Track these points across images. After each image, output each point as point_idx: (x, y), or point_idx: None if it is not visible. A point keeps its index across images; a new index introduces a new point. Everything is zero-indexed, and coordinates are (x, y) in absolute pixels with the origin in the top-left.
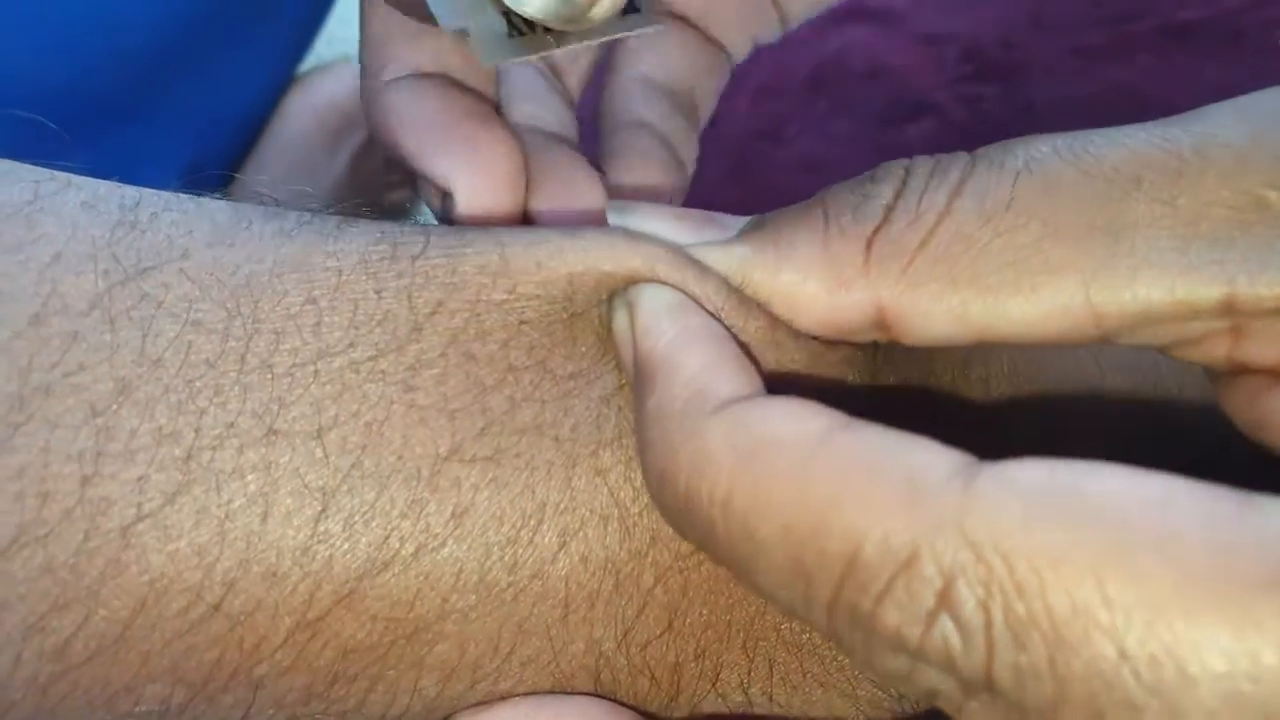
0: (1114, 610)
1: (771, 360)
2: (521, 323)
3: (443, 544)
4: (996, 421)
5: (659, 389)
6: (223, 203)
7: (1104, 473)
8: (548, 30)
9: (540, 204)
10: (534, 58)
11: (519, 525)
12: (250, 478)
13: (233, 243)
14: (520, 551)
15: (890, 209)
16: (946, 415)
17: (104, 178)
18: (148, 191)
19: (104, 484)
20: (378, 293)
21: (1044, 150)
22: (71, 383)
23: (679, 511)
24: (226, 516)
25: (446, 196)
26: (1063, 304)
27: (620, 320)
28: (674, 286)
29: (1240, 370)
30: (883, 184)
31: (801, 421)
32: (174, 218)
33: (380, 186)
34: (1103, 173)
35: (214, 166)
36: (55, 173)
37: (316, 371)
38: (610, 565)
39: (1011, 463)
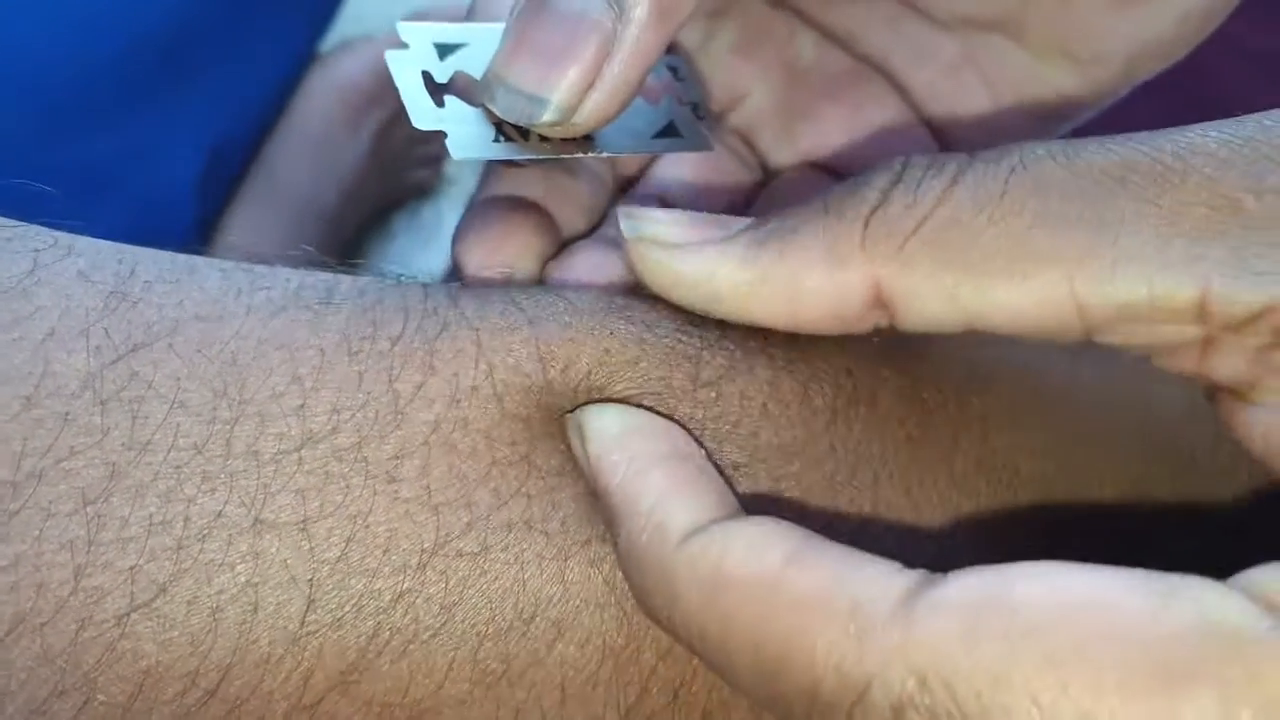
0: None
1: (735, 429)
2: (502, 412)
3: (434, 635)
4: (994, 461)
5: (623, 526)
6: (214, 269)
7: (1036, 578)
8: (544, 139)
9: (558, 274)
10: (519, 159)
11: (511, 617)
12: (239, 569)
13: (221, 315)
14: (514, 642)
15: (887, 193)
16: (934, 469)
17: (128, 161)
18: (144, 255)
19: (97, 574)
20: (359, 374)
21: (1039, 152)
22: (63, 468)
23: (669, 632)
24: (218, 607)
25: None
26: (1048, 293)
27: (575, 446)
28: (631, 351)
29: (1212, 386)
30: (881, 173)
31: (760, 555)
32: (165, 288)
33: (402, 166)
34: (1091, 173)
35: (236, 147)
36: (58, 236)
37: (300, 459)
38: (608, 650)
39: (951, 580)
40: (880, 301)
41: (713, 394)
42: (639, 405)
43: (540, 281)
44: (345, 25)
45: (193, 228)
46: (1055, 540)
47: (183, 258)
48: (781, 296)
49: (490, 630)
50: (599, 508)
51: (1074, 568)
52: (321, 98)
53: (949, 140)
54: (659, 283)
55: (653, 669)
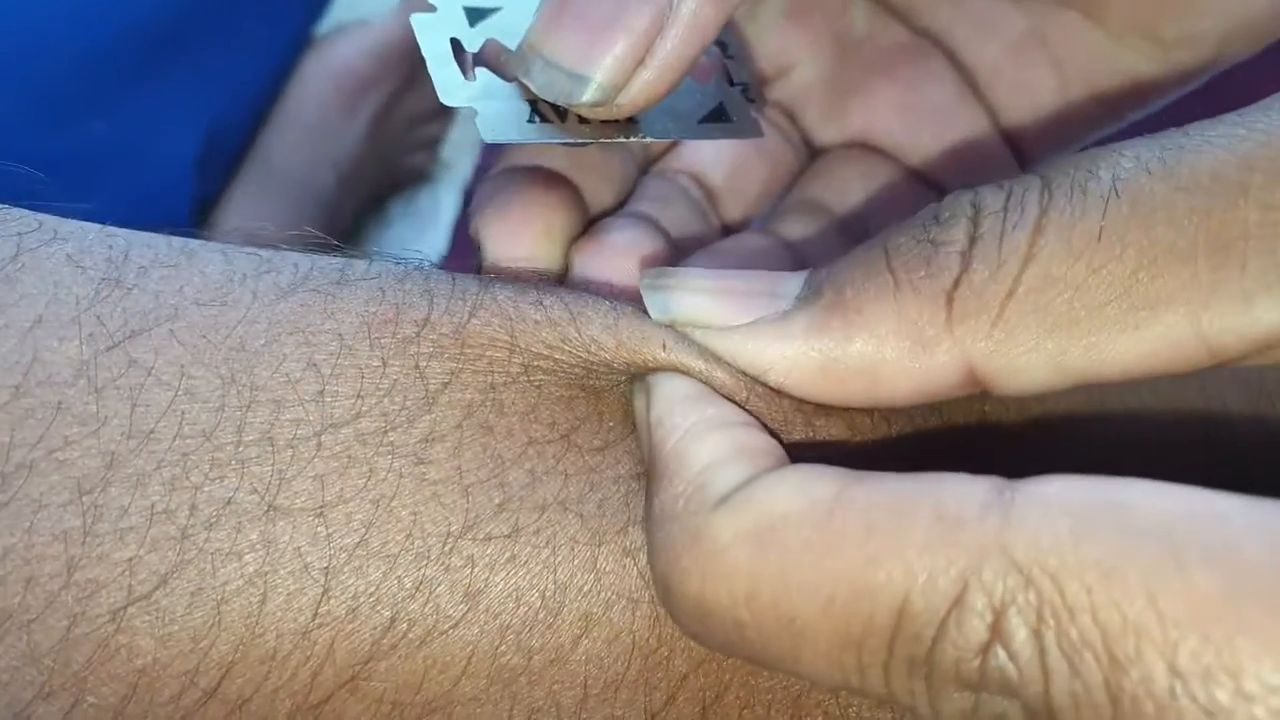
0: (1166, 625)
1: (802, 433)
2: (541, 396)
3: (454, 626)
4: (1054, 441)
5: (664, 488)
6: (215, 253)
7: (1149, 487)
8: (583, 120)
9: (580, 268)
10: (555, 143)
11: (537, 607)
12: (248, 558)
13: (225, 301)
14: (538, 635)
15: (967, 257)
16: (997, 443)
17: (123, 146)
18: (137, 239)
19: (92, 566)
20: (383, 361)
21: (1129, 166)
22: (57, 459)
23: (695, 619)
24: (223, 599)
25: (478, 249)
26: (1171, 339)
27: (639, 406)
28: (694, 372)
29: None
30: (952, 228)
31: (810, 489)
32: (163, 273)
33: (399, 151)
34: (1200, 184)
35: (232, 132)
36: (43, 219)
37: (320, 444)
38: (638, 650)
39: (1048, 480)
40: (974, 380)
41: (762, 404)
42: None
43: (566, 266)
44: (340, 9)
45: (189, 213)
46: None
47: (179, 241)
48: (857, 383)
49: (514, 621)
50: (647, 472)
51: (1186, 486)
52: (317, 82)
53: (1008, 124)
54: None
55: (683, 677)
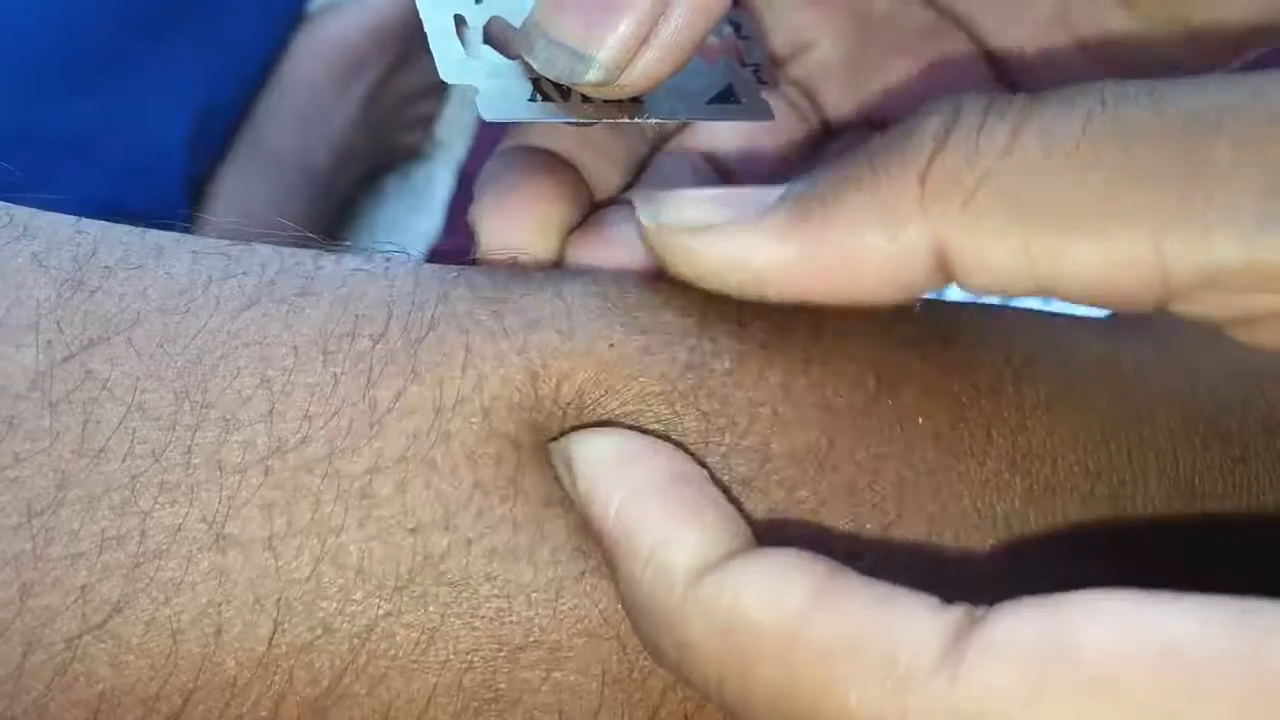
0: None
1: (735, 424)
2: (489, 429)
3: (414, 662)
4: (1030, 457)
5: (622, 577)
6: (184, 253)
7: (1099, 618)
8: (586, 100)
9: (575, 261)
10: (556, 122)
11: (497, 650)
12: (201, 589)
13: (188, 308)
14: (502, 674)
15: (942, 141)
16: (966, 463)
17: (115, 124)
18: (107, 235)
19: (45, 593)
20: (335, 376)
21: (1114, 93)
22: (8, 477)
23: (681, 679)
24: (177, 629)
25: (474, 235)
26: (1131, 254)
27: (564, 478)
28: (631, 354)
29: None
30: (931, 118)
31: (779, 598)
32: (127, 274)
33: (393, 128)
34: (1183, 117)
35: (224, 109)
36: (15, 212)
37: (268, 469)
38: (610, 678)
39: (1000, 618)
40: (943, 263)
41: (717, 404)
42: (636, 425)
43: (560, 258)
44: None
45: (181, 190)
46: (1098, 542)
47: (151, 236)
48: (834, 269)
49: (476, 660)
50: (596, 547)
51: (1140, 600)
52: (310, 59)
53: None
54: (689, 272)
55: (662, 694)
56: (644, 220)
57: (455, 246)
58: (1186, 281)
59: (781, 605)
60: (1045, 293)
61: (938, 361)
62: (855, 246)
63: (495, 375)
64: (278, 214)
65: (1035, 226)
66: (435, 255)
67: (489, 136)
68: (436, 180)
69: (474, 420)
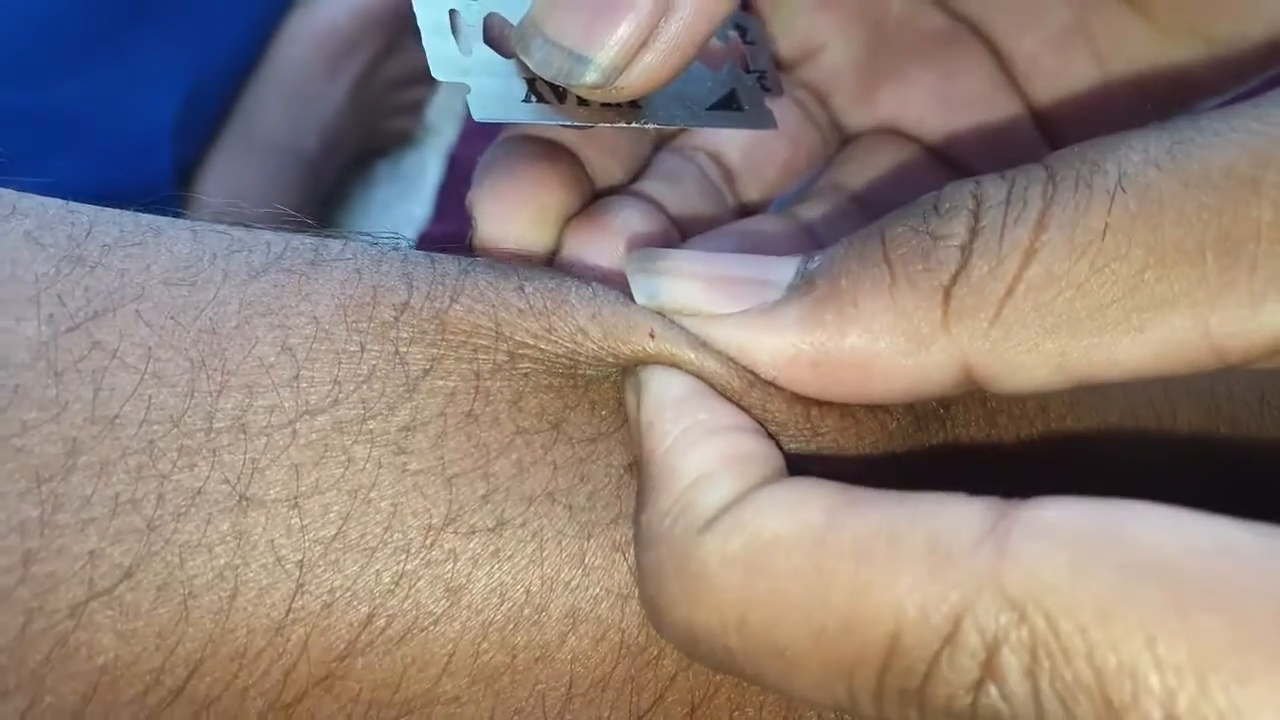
0: (1164, 671)
1: (797, 431)
2: (529, 384)
3: (435, 623)
4: (1056, 457)
5: (652, 503)
6: (183, 230)
7: (1151, 515)
8: (583, 102)
9: (572, 249)
10: (551, 124)
11: (522, 604)
12: (219, 550)
13: (195, 281)
14: (522, 633)
15: (967, 251)
16: (1000, 457)
17: (103, 106)
18: (101, 215)
19: (50, 560)
20: (361, 346)
21: (1137, 160)
22: (13, 445)
23: (685, 643)
24: (190, 594)
25: (471, 222)
26: (1176, 341)
27: (630, 405)
28: (684, 363)
29: None
30: (952, 220)
31: (800, 511)
32: (128, 251)
33: (383, 113)
34: (1212, 180)
35: (214, 92)
36: (1, 194)
37: (295, 432)
38: (626, 649)
39: (1047, 505)
40: (970, 378)
41: (763, 397)
42: None
43: (558, 246)
44: None
45: (170, 173)
46: None
47: (146, 218)
48: (848, 376)
49: (498, 618)
50: (638, 480)
51: (1193, 512)
52: (299, 43)
53: (1045, 117)
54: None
55: (672, 677)
56: (640, 299)
57: (446, 232)
58: (1242, 353)
59: (805, 518)
60: (1086, 383)
61: (966, 406)
62: (872, 358)
63: (530, 351)
64: (267, 198)
65: (1068, 334)
66: (425, 240)
67: (485, 124)
68: (427, 165)
69: (514, 382)
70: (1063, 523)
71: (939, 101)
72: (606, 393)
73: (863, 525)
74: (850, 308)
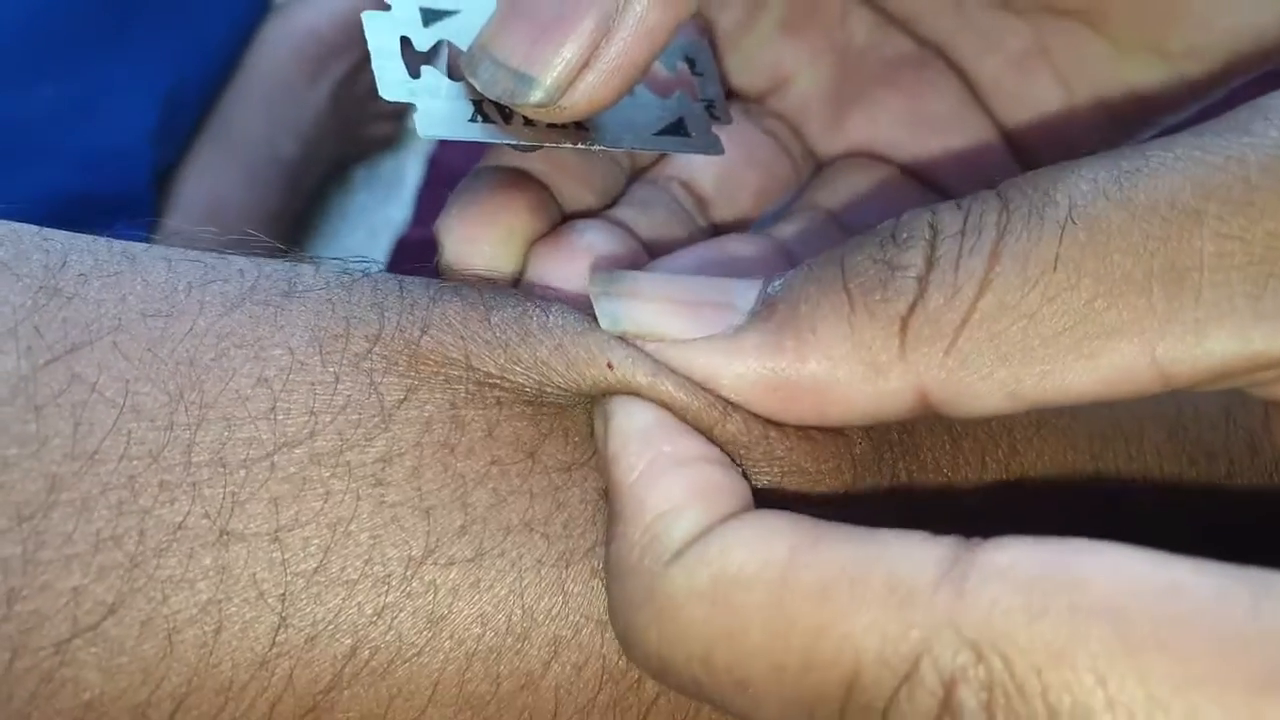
0: (1116, 710)
1: (760, 455)
2: (503, 413)
3: (418, 654)
4: (1021, 479)
5: (620, 535)
6: (158, 260)
7: (1102, 556)
8: (529, 123)
9: (536, 271)
10: (495, 143)
11: (504, 633)
12: (201, 585)
13: (171, 312)
14: (506, 661)
15: (924, 283)
16: (964, 479)
17: (79, 111)
18: (75, 243)
19: (34, 597)
20: (335, 377)
21: (1085, 191)
22: None
23: (655, 673)
24: (175, 629)
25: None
26: (1124, 367)
27: (599, 434)
28: (642, 391)
29: None
30: (909, 250)
31: (765, 547)
32: (104, 281)
33: (363, 119)
34: (1158, 211)
35: (191, 97)
36: None
37: (274, 465)
38: (608, 675)
39: (1003, 546)
40: (926, 404)
41: (723, 419)
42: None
43: (522, 268)
44: None
45: (148, 178)
46: None
47: (119, 246)
48: (808, 401)
49: (480, 648)
50: (608, 509)
51: (1142, 551)
52: (279, 48)
53: (1014, 137)
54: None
55: (654, 700)
56: (603, 324)
57: (426, 236)
58: (1188, 379)
59: (769, 555)
60: (1039, 407)
61: (929, 433)
62: (831, 384)
63: (499, 382)
64: (246, 202)
65: (1020, 363)
66: (404, 245)
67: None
68: (406, 169)
69: (489, 411)
70: (1017, 565)
71: (910, 124)
72: (579, 419)
73: (825, 564)
74: (809, 334)
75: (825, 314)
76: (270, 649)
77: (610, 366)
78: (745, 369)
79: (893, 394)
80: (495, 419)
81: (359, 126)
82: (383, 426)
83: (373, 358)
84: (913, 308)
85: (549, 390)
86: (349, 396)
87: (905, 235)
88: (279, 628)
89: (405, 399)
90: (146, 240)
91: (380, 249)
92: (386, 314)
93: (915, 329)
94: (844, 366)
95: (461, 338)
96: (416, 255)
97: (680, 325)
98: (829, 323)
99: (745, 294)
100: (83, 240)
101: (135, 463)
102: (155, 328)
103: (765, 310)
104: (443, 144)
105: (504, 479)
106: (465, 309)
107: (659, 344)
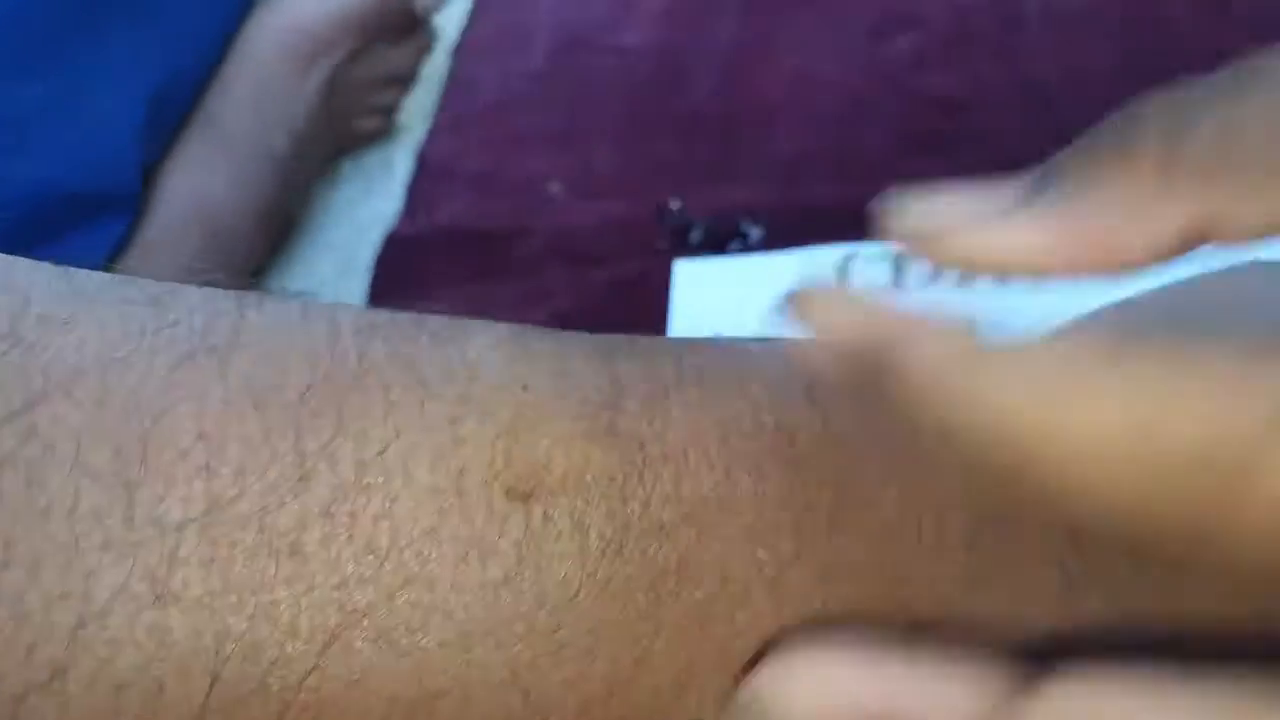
0: None
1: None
2: (408, 482)
3: (342, 714)
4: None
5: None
6: (113, 303)
7: (1144, 698)
8: None
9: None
10: None
11: (416, 698)
12: (143, 646)
13: (125, 360)
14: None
15: (1172, 128)
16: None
17: (65, 106)
18: (36, 281)
19: None
20: (266, 430)
21: None
22: None
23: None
24: (120, 687)
25: None
26: None
27: None
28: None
29: None
30: (1152, 116)
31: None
32: (62, 327)
33: (353, 115)
34: None
35: (178, 91)
36: None
37: (204, 527)
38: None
39: (1053, 685)
40: (1196, 231)
41: (634, 444)
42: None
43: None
44: None
45: (134, 173)
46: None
47: (78, 281)
48: (1094, 250)
49: (394, 713)
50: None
51: (1183, 691)
52: (266, 42)
53: None
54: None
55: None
56: (900, 231)
57: (415, 230)
58: None
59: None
60: None
61: (833, 412)
62: (1114, 230)
63: (415, 426)
64: (234, 197)
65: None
66: (393, 240)
67: (449, 120)
68: (394, 162)
69: (394, 476)
70: (1065, 708)
71: None
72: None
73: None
74: (1079, 196)
75: (1089, 178)
76: (205, 705)
77: (525, 389)
78: (1036, 236)
79: (1167, 226)
80: (399, 487)
81: (350, 122)
82: (300, 489)
83: (300, 410)
84: (1169, 149)
85: (462, 425)
86: (274, 452)
87: (1137, 112)
88: (212, 687)
89: (320, 456)
90: (130, 235)
91: (368, 243)
92: (317, 362)
93: (1173, 166)
94: (1121, 214)
95: (385, 385)
96: (407, 251)
97: (966, 212)
98: (1096, 185)
99: (1015, 185)
100: (43, 275)
101: (82, 522)
102: (109, 378)
103: (1038, 182)
104: (432, 138)
105: (411, 551)
106: (389, 353)
107: (951, 232)
